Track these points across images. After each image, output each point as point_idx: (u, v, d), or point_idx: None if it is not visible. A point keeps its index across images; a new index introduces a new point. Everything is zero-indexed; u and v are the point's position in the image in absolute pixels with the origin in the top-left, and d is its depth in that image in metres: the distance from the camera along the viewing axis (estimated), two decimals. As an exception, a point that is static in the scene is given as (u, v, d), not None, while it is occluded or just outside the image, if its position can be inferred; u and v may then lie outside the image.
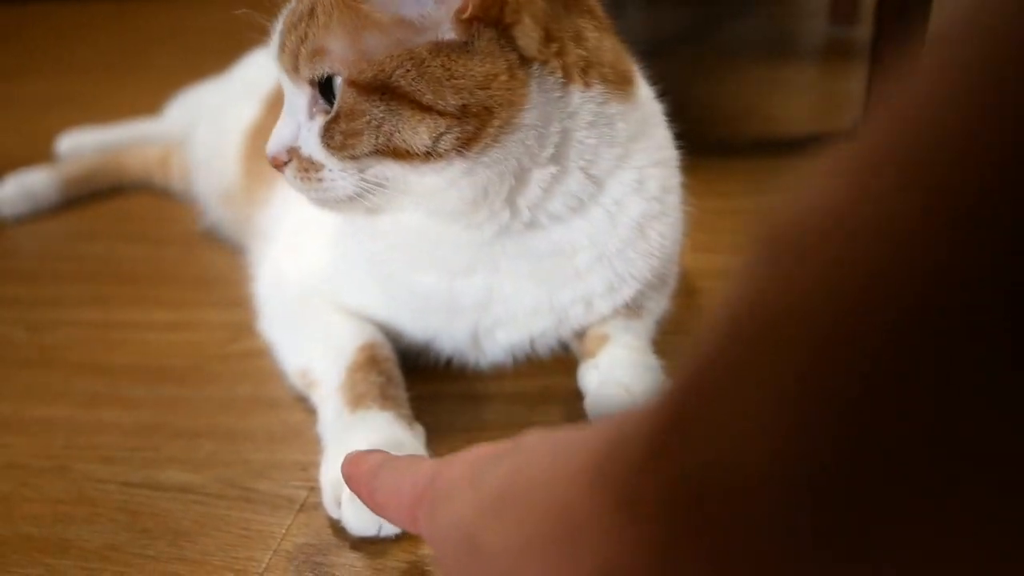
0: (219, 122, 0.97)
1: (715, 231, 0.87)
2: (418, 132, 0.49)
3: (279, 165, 0.55)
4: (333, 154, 0.52)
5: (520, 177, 0.53)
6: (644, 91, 0.62)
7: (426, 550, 0.52)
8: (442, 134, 0.49)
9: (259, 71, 0.95)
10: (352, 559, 0.52)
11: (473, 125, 0.50)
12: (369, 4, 0.49)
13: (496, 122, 0.50)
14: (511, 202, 0.55)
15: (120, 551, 0.54)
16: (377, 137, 0.50)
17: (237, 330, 0.77)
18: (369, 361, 0.62)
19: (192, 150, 1.06)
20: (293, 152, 0.54)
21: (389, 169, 0.52)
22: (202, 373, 0.74)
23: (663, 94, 0.65)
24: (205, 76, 1.19)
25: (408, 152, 0.50)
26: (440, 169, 0.51)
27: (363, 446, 0.54)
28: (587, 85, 0.53)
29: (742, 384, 0.21)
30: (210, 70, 1.17)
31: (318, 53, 0.51)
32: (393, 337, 0.67)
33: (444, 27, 0.49)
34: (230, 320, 0.80)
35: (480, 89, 0.49)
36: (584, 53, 0.52)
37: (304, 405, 0.66)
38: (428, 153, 0.50)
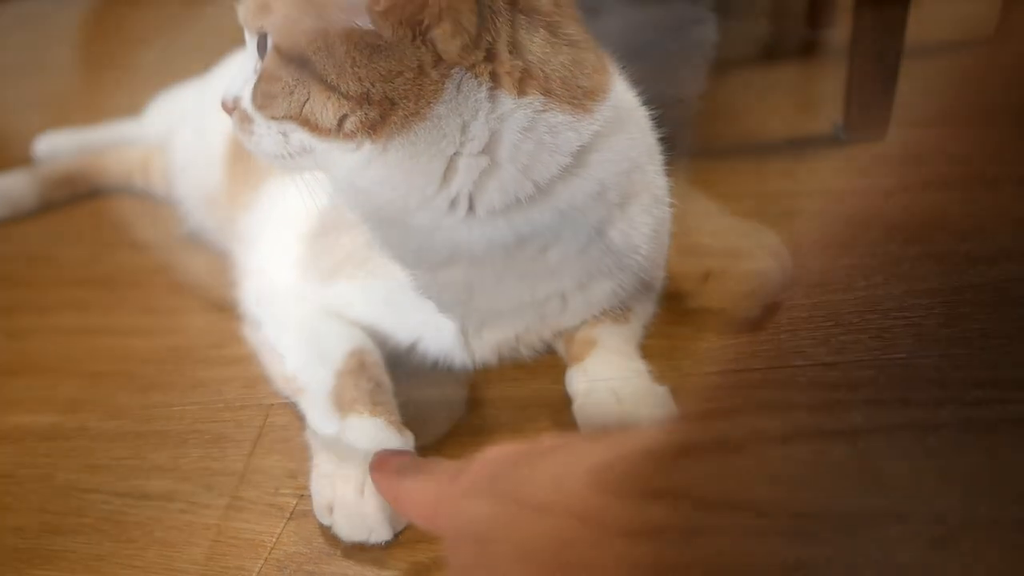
0: (202, 124, 0.96)
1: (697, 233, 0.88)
2: (326, 109, 0.51)
3: (228, 111, 0.57)
4: (257, 112, 0.54)
5: (451, 164, 0.54)
6: (623, 103, 0.61)
7: (420, 556, 0.52)
8: (346, 115, 0.51)
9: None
10: (344, 567, 0.52)
11: (376, 112, 0.50)
12: None
13: (400, 112, 0.51)
14: (447, 185, 0.55)
15: (108, 562, 0.54)
16: (290, 105, 0.52)
17: (221, 335, 0.77)
18: (358, 367, 0.62)
19: (174, 152, 1.04)
20: (237, 102, 0.56)
21: (308, 140, 0.53)
22: (187, 379, 0.73)
23: (640, 97, 0.65)
24: (187, 77, 1.17)
25: (317, 126, 0.52)
26: (352, 149, 0.52)
27: (353, 452, 0.54)
28: (521, 93, 0.52)
29: None
30: (192, 71, 1.16)
31: (263, 8, 0.52)
32: (379, 340, 0.67)
33: (361, 15, 0.49)
34: (214, 325, 0.79)
35: (382, 82, 0.50)
36: (520, 63, 0.52)
37: (292, 411, 0.65)
38: (337, 131, 0.51)
